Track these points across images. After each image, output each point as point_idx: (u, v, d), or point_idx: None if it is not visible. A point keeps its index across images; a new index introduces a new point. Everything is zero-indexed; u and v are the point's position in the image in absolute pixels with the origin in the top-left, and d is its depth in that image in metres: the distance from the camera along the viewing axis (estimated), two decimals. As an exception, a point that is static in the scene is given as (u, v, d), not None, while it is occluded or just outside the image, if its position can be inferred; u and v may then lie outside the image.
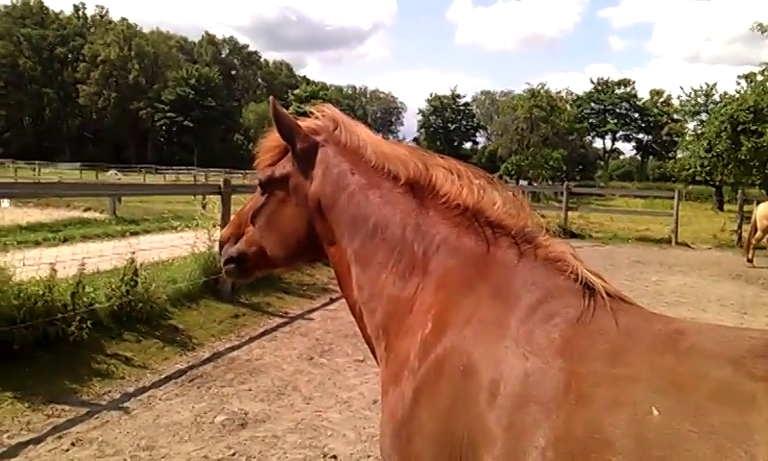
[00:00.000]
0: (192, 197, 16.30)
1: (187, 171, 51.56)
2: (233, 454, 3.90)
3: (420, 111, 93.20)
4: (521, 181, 48.01)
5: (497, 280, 1.67)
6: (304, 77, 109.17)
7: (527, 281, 1.64)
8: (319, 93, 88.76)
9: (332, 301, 8.29)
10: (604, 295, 1.58)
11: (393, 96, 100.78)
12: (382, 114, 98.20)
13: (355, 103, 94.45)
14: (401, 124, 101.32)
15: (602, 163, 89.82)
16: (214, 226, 7.56)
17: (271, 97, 2.24)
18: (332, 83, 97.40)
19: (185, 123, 78.98)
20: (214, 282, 7.37)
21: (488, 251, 1.72)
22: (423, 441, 1.57)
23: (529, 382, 1.43)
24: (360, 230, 1.94)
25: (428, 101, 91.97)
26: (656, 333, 1.42)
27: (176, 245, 8.00)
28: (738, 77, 26.75)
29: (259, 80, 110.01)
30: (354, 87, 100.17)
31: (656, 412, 1.22)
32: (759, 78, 20.71)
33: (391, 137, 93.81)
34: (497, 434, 1.41)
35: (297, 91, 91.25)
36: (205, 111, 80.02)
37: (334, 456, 3.93)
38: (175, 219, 8.31)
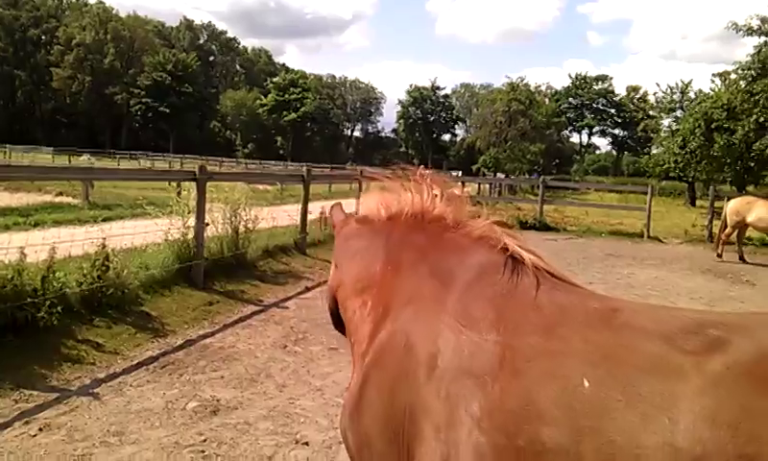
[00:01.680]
0: (167, 184, 16.12)
1: (163, 158, 50.89)
2: (204, 441, 3.89)
3: (400, 102, 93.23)
4: (499, 174, 48.28)
5: (436, 262, 1.81)
6: (284, 65, 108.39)
7: (463, 261, 1.77)
8: (298, 81, 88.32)
9: (308, 289, 8.29)
10: (541, 272, 1.66)
11: (372, 86, 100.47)
12: (362, 104, 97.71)
13: (335, 92, 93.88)
14: (381, 115, 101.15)
15: (578, 158, 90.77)
16: (189, 213, 7.50)
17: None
18: (312, 71, 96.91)
19: (161, 109, 77.89)
20: (188, 270, 7.31)
21: (430, 239, 1.91)
22: (371, 417, 1.68)
23: (464, 355, 1.50)
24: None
25: (408, 92, 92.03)
26: (591, 310, 1.48)
27: (149, 231, 7.91)
28: (713, 75, 27.30)
29: (238, 66, 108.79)
30: (334, 76, 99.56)
31: (586, 383, 1.28)
32: (733, 76, 21.06)
33: (370, 128, 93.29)
34: (435, 406, 1.49)
35: (276, 79, 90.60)
36: (182, 98, 78.98)
37: (306, 442, 3.94)
38: (149, 205, 8.20)
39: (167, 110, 77.82)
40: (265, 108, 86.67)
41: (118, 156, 50.96)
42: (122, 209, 15.71)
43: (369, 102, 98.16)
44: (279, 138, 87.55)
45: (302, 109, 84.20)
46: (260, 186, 23.48)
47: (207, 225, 7.66)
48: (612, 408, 1.23)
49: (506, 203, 24.56)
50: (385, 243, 2.05)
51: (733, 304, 9.39)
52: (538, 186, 20.82)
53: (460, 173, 50.25)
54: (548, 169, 68.22)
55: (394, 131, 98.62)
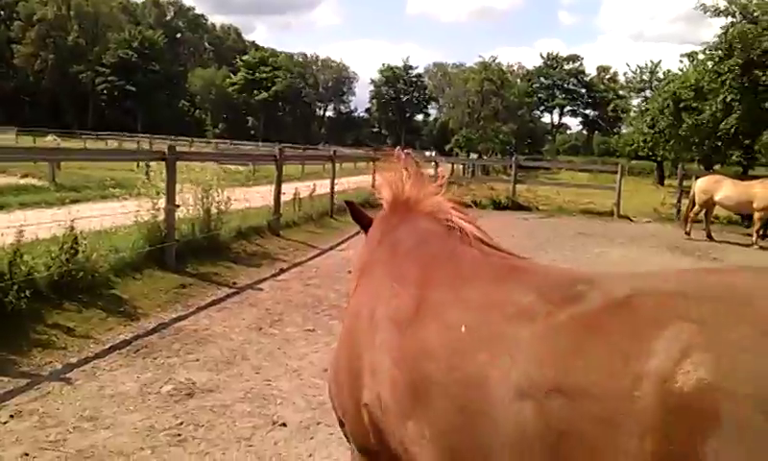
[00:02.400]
0: (136, 165, 15.83)
1: (131, 138, 49.77)
2: (180, 424, 3.86)
3: (373, 82, 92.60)
4: (472, 154, 48.41)
5: (393, 237, 2.13)
6: (253, 42, 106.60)
7: (411, 232, 2.09)
8: (268, 60, 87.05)
9: (282, 271, 8.24)
10: (474, 240, 1.94)
11: (344, 65, 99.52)
12: (334, 84, 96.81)
13: (306, 71, 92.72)
14: (353, 94, 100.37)
15: (550, 138, 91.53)
16: (158, 194, 7.36)
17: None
18: (282, 49, 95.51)
19: (128, 87, 76.06)
20: (159, 252, 7.20)
21: (399, 219, 2.21)
22: (342, 371, 1.99)
23: (392, 308, 1.79)
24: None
25: (380, 71, 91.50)
26: (497, 268, 1.76)
27: (119, 214, 7.76)
28: (681, 55, 27.64)
29: (206, 44, 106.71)
30: (305, 55, 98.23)
31: (463, 329, 1.55)
32: (701, 57, 21.29)
33: (343, 107, 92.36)
34: (372, 353, 1.78)
35: (245, 57, 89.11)
36: (149, 76, 77.23)
37: (284, 424, 3.94)
38: (117, 187, 8.03)
39: (134, 89, 76.04)
40: (235, 86, 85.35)
41: (85, 136, 49.69)
42: (90, 191, 15.36)
43: (341, 81, 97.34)
44: (251, 118, 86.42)
45: (273, 88, 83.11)
46: (232, 167, 23.22)
47: (178, 206, 7.54)
48: (474, 348, 1.49)
49: (480, 183, 24.65)
50: (372, 230, 2.40)
51: (700, 281, 9.60)
52: (510, 166, 20.96)
53: (434, 153, 50.30)
54: (520, 149, 68.69)
55: (367, 110, 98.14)
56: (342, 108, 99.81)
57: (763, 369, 1.12)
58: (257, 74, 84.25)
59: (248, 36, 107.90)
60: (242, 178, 20.90)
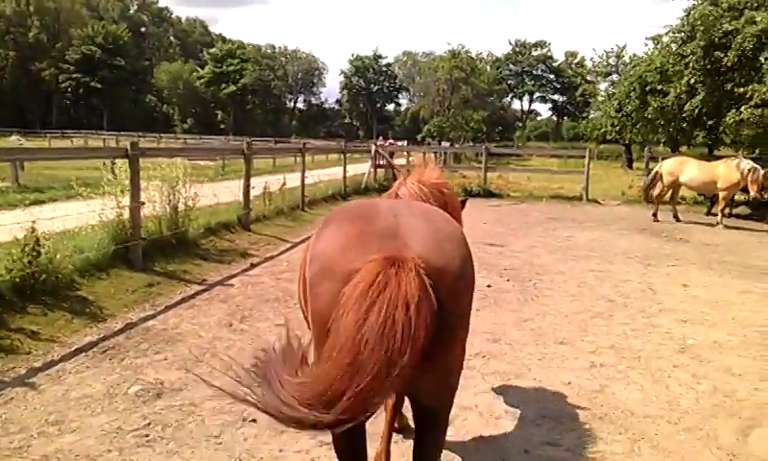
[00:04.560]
0: (102, 162, 15.52)
1: (97, 135, 48.80)
2: (149, 424, 3.81)
3: (343, 72, 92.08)
4: (443, 143, 48.55)
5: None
6: (220, 35, 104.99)
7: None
8: (236, 52, 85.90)
9: (253, 266, 8.17)
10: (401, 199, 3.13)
11: (314, 56, 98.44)
12: (303, 75, 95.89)
13: (275, 63, 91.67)
14: (323, 85, 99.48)
15: (520, 124, 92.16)
16: (122, 191, 7.22)
17: None
18: (250, 41, 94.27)
19: (93, 84, 74.43)
20: (125, 251, 7.07)
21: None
22: (302, 301, 2.72)
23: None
24: None
25: (350, 61, 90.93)
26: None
27: (83, 213, 7.59)
28: (646, 38, 27.99)
29: (171, 38, 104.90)
30: (274, 47, 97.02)
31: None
32: (665, 39, 21.59)
33: (313, 99, 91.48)
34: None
35: (212, 50, 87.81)
36: (114, 71, 75.63)
37: (254, 420, 3.90)
38: (83, 186, 7.84)
39: (99, 86, 74.44)
40: (202, 80, 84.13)
41: (49, 135, 48.53)
42: (55, 191, 15.02)
43: (311, 72, 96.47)
44: (220, 112, 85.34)
45: (242, 80, 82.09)
46: (201, 162, 22.91)
47: (143, 204, 7.41)
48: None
49: (451, 171, 24.74)
50: None
51: (668, 261, 9.79)
52: (481, 154, 21.06)
53: (405, 143, 50.32)
54: (491, 136, 69.06)
55: (337, 101, 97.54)
56: (312, 99, 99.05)
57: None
58: (225, 67, 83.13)
59: (214, 29, 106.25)
60: (211, 173, 20.69)
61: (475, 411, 4.18)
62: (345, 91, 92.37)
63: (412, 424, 2.72)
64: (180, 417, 3.92)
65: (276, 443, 3.65)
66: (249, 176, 10.46)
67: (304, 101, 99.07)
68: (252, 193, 10.87)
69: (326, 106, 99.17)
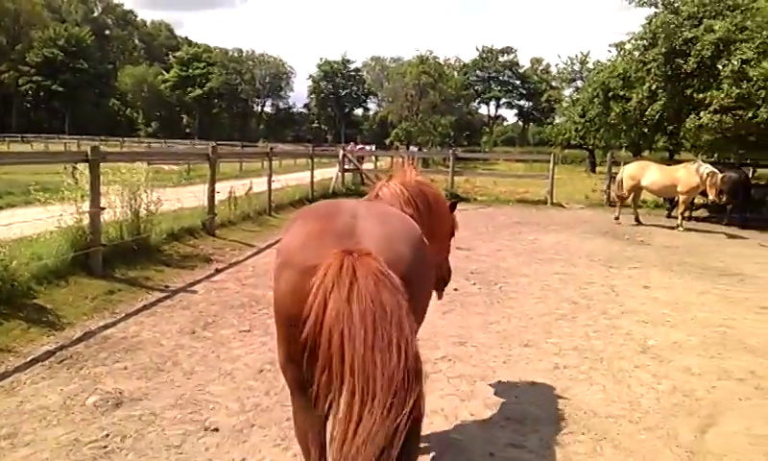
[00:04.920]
0: (63, 167, 15.14)
1: (58, 139, 47.66)
2: (107, 435, 3.70)
3: (311, 77, 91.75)
4: (411, 147, 48.69)
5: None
6: (186, 38, 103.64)
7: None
8: (202, 56, 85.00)
9: (217, 271, 8.05)
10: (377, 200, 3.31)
11: (282, 60, 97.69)
12: (271, 79, 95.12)
13: (242, 67, 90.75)
14: (291, 90, 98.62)
15: (487, 129, 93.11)
16: (82, 197, 7.04)
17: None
18: (217, 45, 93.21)
19: (54, 87, 72.75)
20: (84, 257, 6.90)
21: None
22: None
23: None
24: None
25: (318, 66, 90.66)
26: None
27: (42, 219, 7.37)
28: (610, 45, 28.53)
29: (136, 41, 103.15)
30: (241, 50, 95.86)
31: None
32: (628, 46, 22.01)
33: (281, 103, 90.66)
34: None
35: (178, 53, 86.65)
36: (77, 75, 74.05)
37: (216, 429, 3.84)
38: (42, 191, 7.62)
39: (61, 89, 72.79)
40: (168, 84, 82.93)
41: (8, 138, 47.19)
42: (13, 197, 14.58)
43: (278, 76, 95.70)
44: (185, 116, 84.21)
45: (208, 84, 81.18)
46: (165, 167, 22.54)
47: (104, 209, 7.24)
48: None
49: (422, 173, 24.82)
50: None
51: (630, 263, 9.98)
52: (449, 158, 21.20)
53: (374, 147, 50.34)
54: (459, 141, 69.57)
55: (305, 106, 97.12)
56: (280, 104, 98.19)
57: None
58: (191, 70, 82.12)
59: (180, 32, 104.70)
60: (176, 178, 20.38)
61: (441, 414, 4.18)
62: (313, 96, 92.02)
63: None
64: (139, 427, 3.82)
65: (239, 452, 3.59)
66: (214, 180, 10.31)
67: (272, 105, 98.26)
68: (218, 198, 10.73)
69: (294, 110, 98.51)
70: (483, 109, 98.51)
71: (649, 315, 6.89)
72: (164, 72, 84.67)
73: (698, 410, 4.44)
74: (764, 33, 14.44)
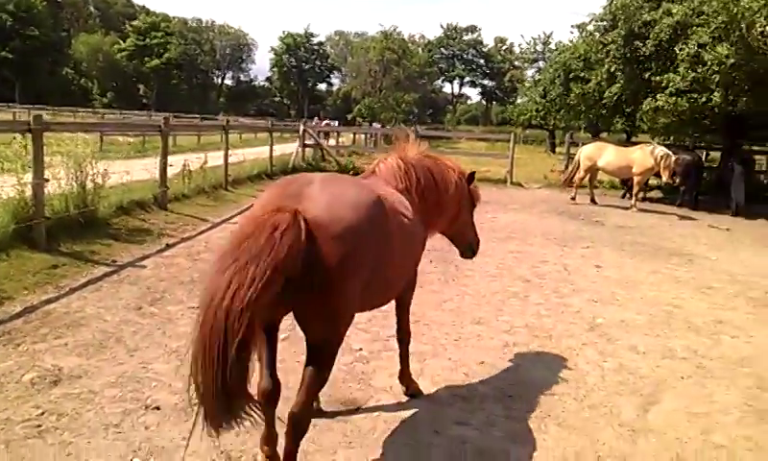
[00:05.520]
0: (12, 137, 14.54)
1: (8, 108, 45.74)
2: (42, 414, 3.57)
3: (273, 50, 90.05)
4: (374, 124, 48.47)
5: None
6: (144, 7, 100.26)
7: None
8: (160, 25, 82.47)
9: (168, 246, 7.85)
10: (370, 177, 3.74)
11: (243, 32, 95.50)
12: (232, 50, 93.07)
13: (201, 37, 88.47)
14: (253, 62, 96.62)
15: (451, 108, 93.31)
16: (23, 168, 6.75)
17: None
18: (175, 14, 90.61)
19: (4, 54, 69.56)
20: (27, 230, 6.63)
21: None
22: None
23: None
24: None
25: (281, 39, 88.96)
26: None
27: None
28: (572, 26, 28.74)
29: (91, 8, 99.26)
30: (200, 20, 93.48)
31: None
32: (590, 28, 22.19)
33: (242, 76, 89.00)
34: None
35: (135, 22, 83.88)
36: (28, 42, 70.79)
37: (157, 407, 3.73)
38: (-14, 162, 7.28)
39: (10, 56, 69.61)
40: (124, 53, 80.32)
41: (-48, 107, 45.05)
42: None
43: (240, 48, 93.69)
44: (142, 86, 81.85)
45: (166, 54, 78.93)
46: (120, 139, 21.90)
47: (47, 181, 6.96)
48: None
49: (382, 152, 24.73)
50: None
51: (583, 243, 10.14)
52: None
53: (336, 123, 49.90)
54: (422, 118, 69.58)
55: (268, 79, 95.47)
56: (241, 76, 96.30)
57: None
58: (149, 40, 79.61)
59: (138, 1, 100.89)
60: (130, 149, 19.83)
61: (389, 393, 4.16)
62: (275, 69, 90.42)
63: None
64: (77, 405, 3.69)
65: (180, 430, 3.49)
66: (166, 153, 10.02)
67: (233, 77, 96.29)
68: (173, 171, 10.46)
69: (256, 83, 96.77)
70: (447, 88, 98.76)
71: (599, 294, 7.01)
72: (121, 41, 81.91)
73: (641, 388, 4.53)
74: (719, 18, 14.68)
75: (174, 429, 3.51)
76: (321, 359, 2.77)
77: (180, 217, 9.63)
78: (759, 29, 14.59)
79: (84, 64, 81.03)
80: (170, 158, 10.68)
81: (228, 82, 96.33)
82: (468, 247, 4.58)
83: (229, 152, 13.09)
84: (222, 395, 2.27)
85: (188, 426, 3.52)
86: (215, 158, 13.00)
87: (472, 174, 4.43)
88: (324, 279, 2.52)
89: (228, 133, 13.97)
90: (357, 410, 3.89)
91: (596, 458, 3.54)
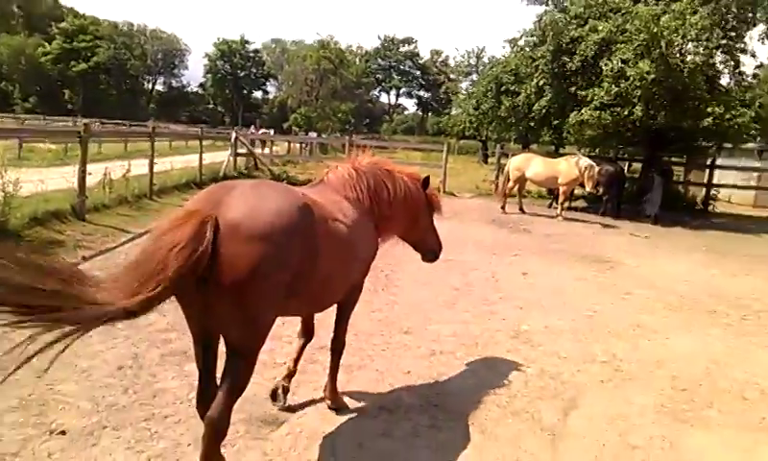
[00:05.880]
0: None
1: None
2: (-70, 445, 3.28)
3: (207, 55, 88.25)
4: (311, 133, 48.20)
5: None
6: (72, 9, 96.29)
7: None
8: (89, 28, 79.37)
9: (84, 259, 7.46)
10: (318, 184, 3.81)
11: (176, 37, 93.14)
12: (164, 56, 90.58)
13: (132, 41, 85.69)
14: (186, 68, 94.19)
15: (388, 118, 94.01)
16: None
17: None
18: (106, 17, 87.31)
19: None
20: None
21: None
22: None
23: None
24: None
25: (215, 45, 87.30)
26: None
27: None
28: (504, 41, 29.50)
29: (14, 8, 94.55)
30: (131, 24, 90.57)
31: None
32: (521, 43, 22.80)
33: (174, 82, 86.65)
34: None
35: (62, 24, 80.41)
36: (-58, 42, 66.85)
37: (63, 431, 3.51)
38: None
39: None
40: (49, 56, 76.79)
41: None
42: None
43: (172, 54, 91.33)
44: (68, 91, 78.44)
45: (94, 58, 76.01)
46: (42, 145, 20.85)
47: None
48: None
49: (317, 162, 24.57)
50: None
51: (512, 250, 10.35)
52: (345, 145, 21.11)
53: (272, 131, 49.30)
54: (359, 128, 69.77)
55: (201, 86, 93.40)
56: (173, 82, 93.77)
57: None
58: (76, 43, 76.44)
59: (64, 2, 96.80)
60: (51, 157, 18.91)
61: (313, 407, 4.07)
62: (209, 75, 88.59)
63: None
64: (-29, 434, 3.42)
65: (86, 456, 3.29)
66: (85, 160, 9.52)
67: (164, 83, 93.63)
68: (93, 180, 9.99)
69: (189, 90, 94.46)
70: (384, 98, 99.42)
71: (525, 301, 7.15)
72: (46, 44, 78.31)
73: (563, 393, 4.62)
74: (641, 35, 15.37)
75: (80, 455, 3.30)
76: (239, 363, 2.79)
77: (98, 228, 9.17)
78: (677, 47, 15.40)
79: (4, 67, 77.01)
80: (93, 166, 10.22)
81: (159, 87, 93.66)
82: (431, 251, 4.67)
83: (158, 160, 12.66)
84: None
85: (96, 452, 3.34)
86: (141, 167, 12.53)
87: (426, 179, 4.49)
88: (237, 281, 2.56)
89: (155, 140, 13.51)
90: (279, 427, 3.78)
91: (517, 466, 3.56)
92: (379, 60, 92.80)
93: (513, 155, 17.78)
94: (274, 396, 4.03)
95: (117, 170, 11.52)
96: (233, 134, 19.27)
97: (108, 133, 21.38)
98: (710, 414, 4.47)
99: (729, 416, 4.45)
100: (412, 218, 4.33)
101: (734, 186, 21.73)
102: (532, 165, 15.57)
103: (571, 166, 14.88)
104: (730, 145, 19.60)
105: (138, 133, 21.00)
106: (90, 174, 9.78)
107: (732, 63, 17.57)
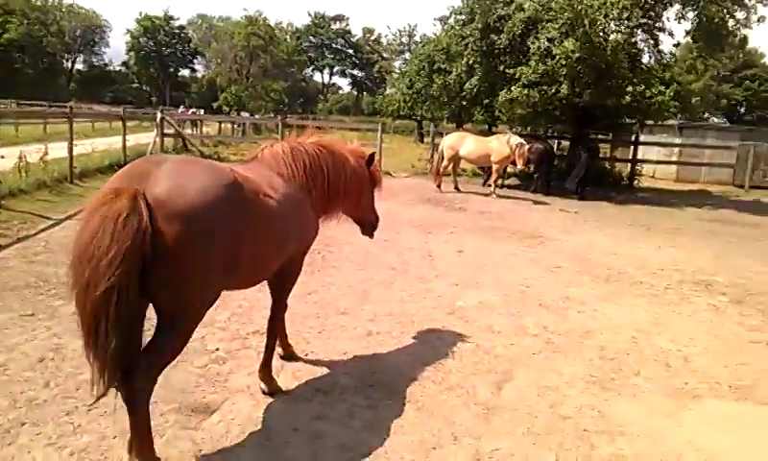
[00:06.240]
0: None
1: None
2: None
3: (129, 32, 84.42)
4: (243, 113, 47.08)
5: None
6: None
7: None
8: (-2, 2, 74.27)
9: (1, 248, 7.03)
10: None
11: (95, 13, 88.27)
12: (82, 32, 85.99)
13: (48, 17, 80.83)
14: (107, 45, 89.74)
15: (322, 97, 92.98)
16: None
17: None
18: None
19: None
20: None
21: None
22: None
23: None
24: None
25: (138, 21, 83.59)
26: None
27: None
28: (434, 19, 29.57)
29: None
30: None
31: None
32: (451, 21, 22.86)
33: (95, 60, 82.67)
34: None
35: (-33, -2, 74.89)
36: None
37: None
38: None
39: None
40: (-45, 33, 71.57)
41: None
42: None
43: (92, 30, 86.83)
44: (-23, 71, 73.39)
45: (6, 35, 71.41)
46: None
47: None
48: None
49: (250, 142, 24.06)
50: None
51: (447, 229, 10.46)
52: (278, 125, 20.72)
53: (202, 111, 47.86)
54: (293, 108, 68.72)
55: (125, 64, 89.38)
56: (94, 60, 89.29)
57: None
58: (-19, 19, 71.46)
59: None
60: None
61: (246, 393, 3.98)
62: (132, 53, 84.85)
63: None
64: None
65: (3, 455, 3.10)
66: (-3, 143, 8.96)
67: (84, 62, 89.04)
68: (7, 164, 9.39)
69: (112, 68, 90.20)
70: (318, 77, 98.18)
71: (460, 278, 7.24)
72: (-51, 19, 72.86)
73: (496, 367, 4.71)
74: (566, 14, 15.70)
75: (-5, 456, 3.10)
76: (169, 334, 2.82)
77: (15, 215, 8.64)
78: (600, 26, 15.83)
79: None
80: (8, 150, 9.60)
81: (79, 66, 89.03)
82: (370, 226, 4.89)
83: (80, 142, 12.02)
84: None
85: (13, 450, 3.15)
86: (60, 150, 11.88)
87: (372, 156, 4.57)
88: (167, 256, 2.58)
89: (75, 121, 12.81)
90: (211, 415, 3.68)
91: (453, 439, 3.61)
92: (311, 37, 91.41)
93: (447, 134, 17.92)
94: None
95: (35, 154, 10.87)
96: (158, 115, 18.56)
97: (23, 113, 20.14)
98: (637, 382, 4.66)
99: (654, 383, 4.66)
100: (356, 195, 4.41)
101: (657, 162, 22.74)
102: (465, 144, 15.76)
103: (502, 144, 15.13)
104: (651, 122, 20.43)
105: (56, 114, 19.88)
106: (3, 157, 9.19)
107: (652, 41, 18.23)
